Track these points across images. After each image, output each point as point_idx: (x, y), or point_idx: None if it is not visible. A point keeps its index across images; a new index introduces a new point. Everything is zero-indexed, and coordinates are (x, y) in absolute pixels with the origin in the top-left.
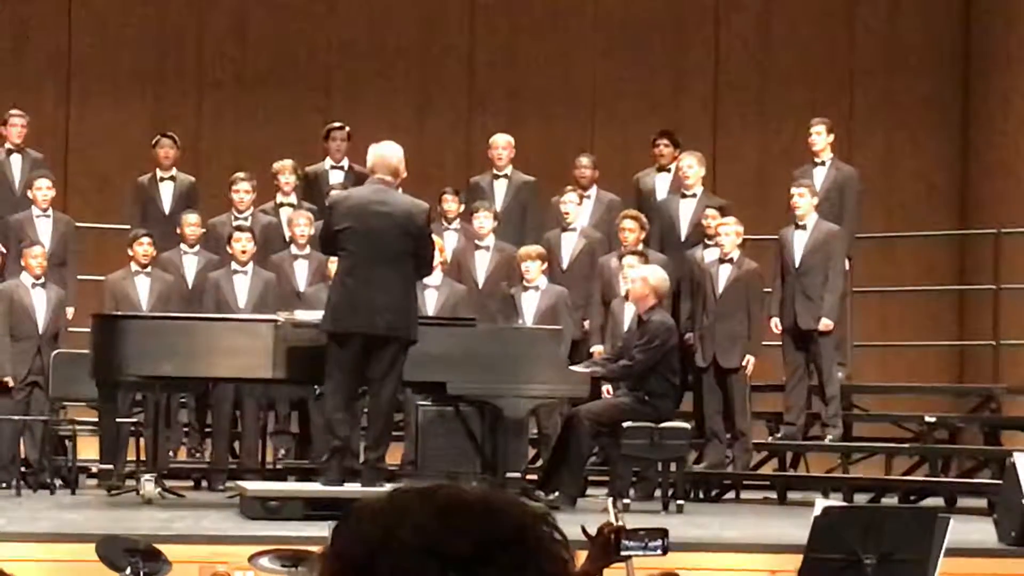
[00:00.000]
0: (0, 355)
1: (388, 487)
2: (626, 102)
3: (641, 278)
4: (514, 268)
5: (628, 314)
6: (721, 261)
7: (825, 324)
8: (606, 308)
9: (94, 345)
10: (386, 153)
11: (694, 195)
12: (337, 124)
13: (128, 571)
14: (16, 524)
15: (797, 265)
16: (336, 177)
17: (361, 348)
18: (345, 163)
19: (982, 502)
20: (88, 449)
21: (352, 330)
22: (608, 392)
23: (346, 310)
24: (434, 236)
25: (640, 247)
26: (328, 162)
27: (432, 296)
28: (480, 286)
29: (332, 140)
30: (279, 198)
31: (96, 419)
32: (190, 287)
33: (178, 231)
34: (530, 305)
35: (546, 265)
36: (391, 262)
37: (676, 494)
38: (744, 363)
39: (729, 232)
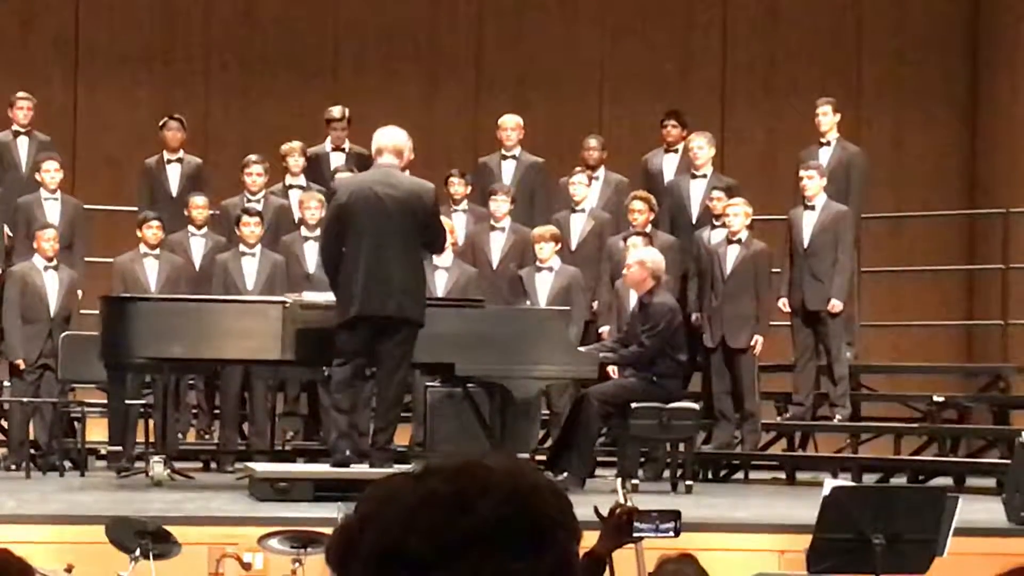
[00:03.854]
0: (12, 338)
1: (396, 468)
2: (634, 83)
3: (637, 262)
4: (527, 249)
5: (633, 295)
6: (729, 242)
7: (834, 305)
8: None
9: (103, 327)
10: (392, 135)
11: (704, 175)
12: (336, 114)
13: (137, 553)
14: (26, 506)
15: (806, 246)
16: (337, 159)
17: (371, 330)
18: (347, 146)
19: (991, 482)
20: (97, 431)
21: (364, 314)
22: (614, 374)
23: (358, 294)
24: (444, 218)
25: (648, 228)
26: (328, 144)
27: (442, 277)
28: (495, 267)
29: (332, 129)
30: (288, 180)
31: (105, 401)
32: (197, 269)
33: (185, 213)
34: (543, 286)
35: (560, 246)
36: (400, 243)
37: (685, 474)
38: (752, 343)
39: (737, 213)
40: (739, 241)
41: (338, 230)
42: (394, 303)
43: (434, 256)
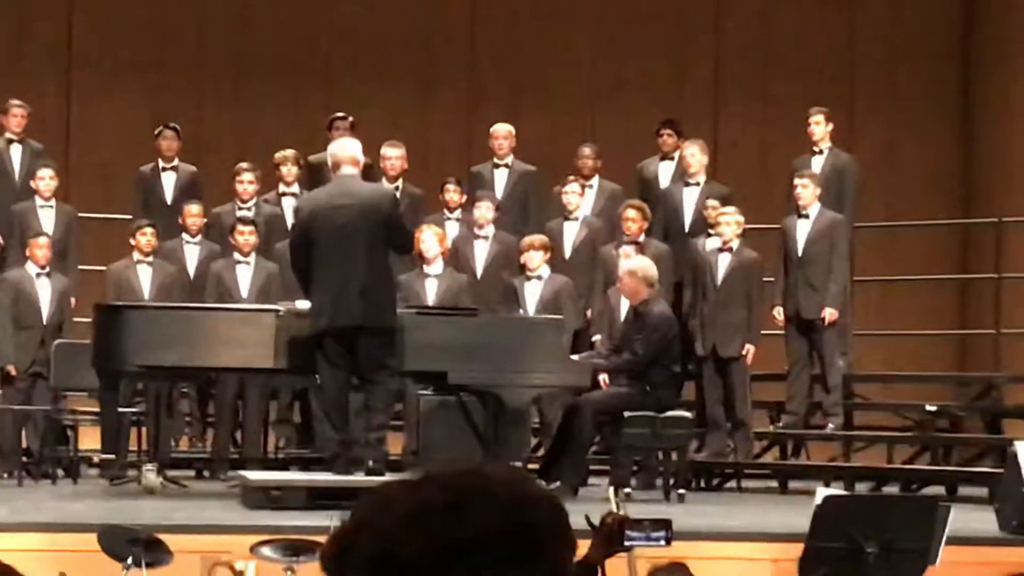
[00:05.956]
0: (3, 344)
1: (390, 475)
2: (628, 91)
3: (627, 272)
4: (513, 258)
5: (624, 303)
6: (721, 250)
7: (829, 313)
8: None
9: (96, 335)
10: (347, 147)
11: (697, 183)
12: (340, 114)
13: (130, 561)
14: (18, 514)
15: (800, 254)
16: None
17: (343, 341)
18: None
19: (983, 491)
20: (90, 439)
21: (335, 326)
22: (605, 383)
23: (325, 308)
24: (435, 227)
25: (642, 237)
26: None
27: (433, 285)
28: (479, 276)
29: (335, 130)
30: (281, 188)
31: (98, 409)
32: (191, 277)
33: (180, 221)
34: (533, 294)
35: (549, 255)
36: (363, 253)
37: (677, 483)
38: (744, 352)
39: (729, 221)
40: (731, 250)
41: (304, 248)
42: (360, 311)
43: (424, 265)
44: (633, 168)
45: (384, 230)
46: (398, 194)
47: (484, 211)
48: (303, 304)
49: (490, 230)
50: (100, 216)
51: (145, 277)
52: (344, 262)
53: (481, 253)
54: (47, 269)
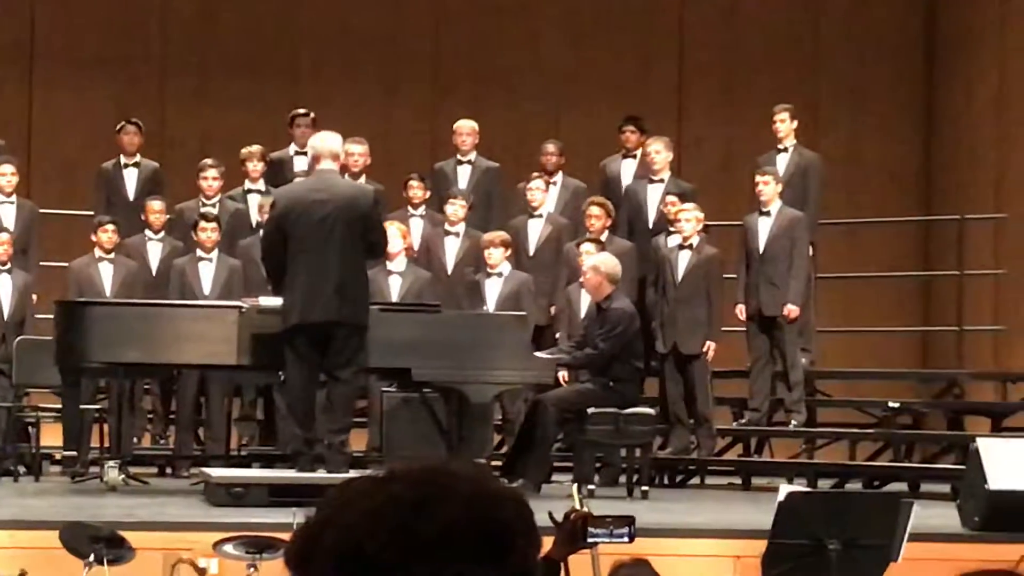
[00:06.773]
0: None
1: (353, 472)
2: (592, 88)
3: (591, 267)
4: (482, 255)
5: (584, 300)
6: (681, 247)
7: (790, 310)
8: None
9: (57, 332)
10: (328, 141)
11: (661, 180)
12: (302, 110)
13: (92, 558)
14: None
15: (762, 251)
16: (301, 163)
17: (315, 337)
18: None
19: (946, 487)
20: (52, 436)
21: (306, 321)
22: (564, 379)
23: (298, 303)
24: (397, 223)
25: (606, 234)
26: (293, 148)
27: (396, 282)
28: (450, 272)
29: (297, 127)
30: (247, 184)
31: (60, 406)
32: (154, 273)
33: (142, 217)
34: (493, 291)
35: (510, 252)
36: (339, 249)
37: (641, 480)
38: (705, 349)
39: (689, 218)
40: (691, 247)
41: (279, 241)
42: (335, 308)
43: (387, 261)
44: (597, 165)
45: (361, 227)
46: None
47: (456, 209)
48: (267, 300)
49: (461, 227)
50: (62, 212)
51: (107, 273)
52: (320, 257)
53: (452, 250)
54: (8, 265)
